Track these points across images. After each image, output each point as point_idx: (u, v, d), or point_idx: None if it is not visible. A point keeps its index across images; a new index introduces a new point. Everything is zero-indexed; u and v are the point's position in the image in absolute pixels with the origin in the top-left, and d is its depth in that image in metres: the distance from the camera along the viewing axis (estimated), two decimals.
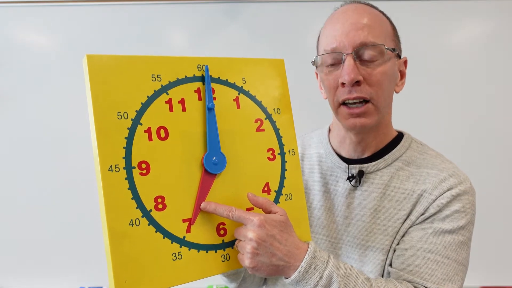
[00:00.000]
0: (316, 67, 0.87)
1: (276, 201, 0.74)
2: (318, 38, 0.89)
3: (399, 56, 0.85)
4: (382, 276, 0.83)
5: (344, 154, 0.92)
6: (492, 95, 2.02)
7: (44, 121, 1.97)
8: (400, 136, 0.92)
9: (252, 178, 0.72)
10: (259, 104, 0.74)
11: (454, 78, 2.02)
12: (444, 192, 0.80)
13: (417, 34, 1.96)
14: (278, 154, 0.75)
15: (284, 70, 0.79)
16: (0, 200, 2.01)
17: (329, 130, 0.98)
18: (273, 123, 0.76)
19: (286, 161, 0.76)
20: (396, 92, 0.87)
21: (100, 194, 0.60)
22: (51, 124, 1.97)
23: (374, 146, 0.89)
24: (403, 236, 0.82)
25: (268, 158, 0.74)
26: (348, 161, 0.90)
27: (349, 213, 0.88)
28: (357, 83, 0.79)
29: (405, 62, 0.88)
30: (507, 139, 2.03)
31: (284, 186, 0.75)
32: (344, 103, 0.81)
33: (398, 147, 0.88)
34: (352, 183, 0.88)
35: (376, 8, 0.85)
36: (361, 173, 0.88)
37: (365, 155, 0.89)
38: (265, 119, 0.75)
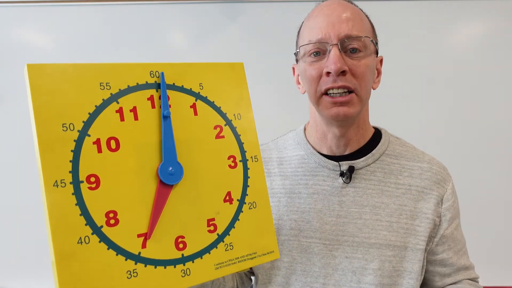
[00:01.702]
0: (297, 60, 0.89)
1: (239, 210, 0.71)
2: (299, 31, 0.91)
3: (376, 53, 0.88)
4: (400, 277, 0.85)
5: (326, 151, 0.91)
6: (492, 95, 2.04)
7: None
8: (377, 131, 0.94)
9: (212, 187, 0.69)
10: (218, 110, 0.72)
11: (454, 78, 2.04)
12: (446, 190, 0.88)
13: (416, 34, 1.99)
14: (240, 161, 0.73)
15: (244, 74, 0.76)
16: (0, 200, 2.01)
17: (304, 130, 0.97)
18: (233, 129, 0.73)
19: (248, 168, 0.73)
20: (373, 89, 0.88)
21: (45, 211, 0.56)
22: None
23: (356, 141, 0.89)
24: (436, 242, 0.89)
25: (229, 166, 0.71)
26: (334, 158, 0.90)
27: (342, 211, 0.87)
28: (343, 73, 0.80)
29: (381, 61, 0.91)
30: (507, 139, 2.06)
31: (247, 194, 0.72)
32: (327, 93, 0.82)
33: (382, 141, 0.90)
34: (344, 179, 0.87)
35: (356, 6, 0.88)
36: (351, 169, 0.87)
37: (347, 152, 0.89)
38: (225, 125, 0.72)
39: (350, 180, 0.87)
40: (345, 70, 0.80)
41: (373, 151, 0.88)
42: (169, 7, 2.02)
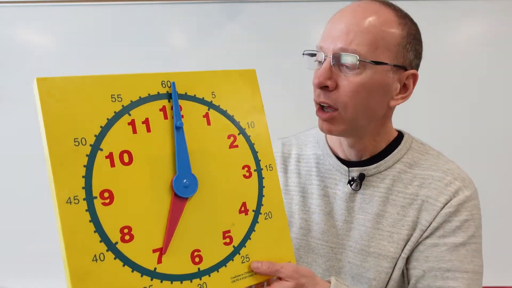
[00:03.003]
0: None
1: (255, 221, 0.69)
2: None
3: (404, 68, 0.78)
4: (387, 285, 0.82)
5: (342, 155, 0.89)
6: (492, 95, 2.03)
7: None
8: (400, 136, 0.89)
9: (227, 198, 0.67)
10: (231, 118, 0.70)
11: (453, 78, 2.02)
12: (451, 200, 0.79)
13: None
14: (255, 170, 0.71)
15: (257, 81, 0.74)
16: (0, 200, 2.01)
17: None
18: (247, 137, 0.71)
19: (263, 178, 0.72)
20: (391, 106, 0.81)
21: (59, 230, 0.54)
22: None
23: (371, 149, 0.86)
24: (416, 247, 0.81)
25: (244, 175, 0.70)
26: (347, 163, 0.87)
27: (349, 217, 0.86)
28: (326, 88, 0.76)
29: (414, 76, 0.80)
30: (507, 139, 2.04)
31: (262, 205, 0.71)
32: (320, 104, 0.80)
33: (398, 148, 0.86)
34: (352, 186, 0.85)
35: (394, 9, 0.78)
36: (362, 176, 0.85)
37: (364, 158, 0.86)
38: (238, 134, 0.70)
39: (359, 188, 0.85)
40: (328, 86, 0.75)
41: (386, 158, 0.85)
42: (169, 7, 2.01)
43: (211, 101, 0.68)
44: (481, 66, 2.03)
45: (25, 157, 1.96)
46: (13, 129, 2.00)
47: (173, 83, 0.65)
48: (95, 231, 0.56)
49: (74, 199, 0.55)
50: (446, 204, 0.78)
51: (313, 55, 0.81)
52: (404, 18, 0.78)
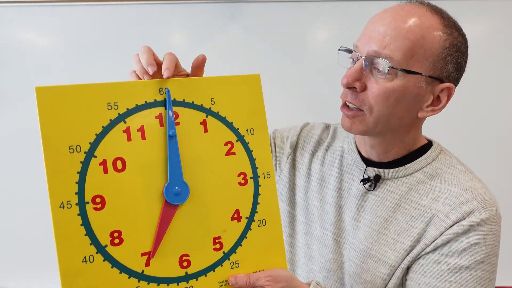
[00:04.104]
0: None
1: (248, 227, 0.71)
2: None
3: (439, 80, 0.74)
4: None
5: (364, 153, 0.88)
6: (492, 95, 1.98)
7: None
8: (428, 145, 0.85)
9: (219, 205, 0.68)
10: (229, 125, 0.70)
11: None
12: (463, 219, 0.74)
13: None
14: (251, 178, 0.71)
15: (260, 86, 0.73)
16: (0, 200, 2.04)
17: None
18: (245, 145, 0.71)
19: (259, 185, 0.72)
20: (419, 117, 0.77)
21: (53, 231, 0.59)
22: None
23: (395, 152, 0.83)
24: (416, 260, 0.78)
25: (239, 183, 0.70)
26: (368, 162, 0.86)
27: (358, 215, 0.86)
28: (354, 88, 0.75)
29: (449, 89, 0.76)
30: (507, 139, 2.00)
31: (257, 212, 0.71)
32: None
33: (423, 156, 0.82)
34: (366, 186, 0.84)
35: (442, 17, 0.74)
36: (377, 178, 0.84)
37: (386, 160, 0.84)
38: (236, 141, 0.70)
39: (373, 188, 0.84)
40: (356, 87, 0.75)
41: (408, 165, 0.82)
42: (169, 7, 1.99)
43: (210, 108, 0.69)
44: (481, 66, 1.94)
45: (25, 157, 1.99)
46: (13, 129, 2.01)
47: (168, 90, 0.65)
48: (85, 235, 0.59)
49: (67, 204, 0.59)
50: (457, 223, 0.74)
51: (349, 51, 0.79)
52: (451, 28, 0.74)
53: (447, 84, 0.75)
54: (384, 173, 0.83)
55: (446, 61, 0.73)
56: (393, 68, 0.71)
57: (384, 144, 0.82)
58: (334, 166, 0.92)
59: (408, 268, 0.80)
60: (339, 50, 0.80)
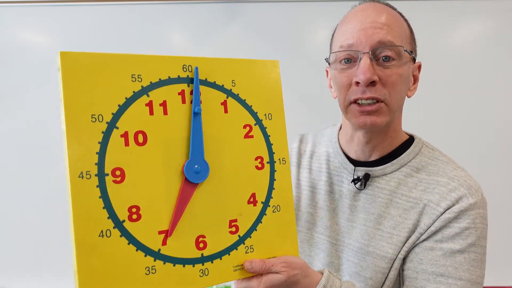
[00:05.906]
0: (329, 64, 0.85)
1: (263, 212, 0.70)
2: (333, 34, 0.86)
3: (414, 60, 0.84)
4: (383, 285, 0.82)
5: (352, 155, 0.90)
6: (492, 95, 2.01)
7: (44, 121, 1.95)
8: (410, 140, 0.89)
9: (237, 188, 0.67)
10: (249, 108, 0.70)
11: (453, 78, 2.00)
12: (453, 205, 0.77)
13: (417, 34, 1.93)
14: (267, 162, 0.71)
15: (279, 72, 0.73)
16: (0, 200, 2.01)
17: (340, 128, 0.96)
18: (263, 129, 0.71)
19: (275, 171, 0.71)
20: (408, 97, 0.85)
21: (69, 202, 0.56)
22: (51, 123, 1.94)
23: (381, 149, 0.86)
24: (411, 249, 0.80)
25: (256, 167, 0.70)
26: (355, 162, 0.88)
27: (352, 215, 0.87)
28: (372, 83, 0.77)
29: (419, 67, 0.86)
30: (508, 139, 2.02)
31: (272, 197, 0.70)
32: (355, 101, 0.79)
33: (407, 151, 0.85)
34: (357, 185, 0.86)
35: (395, 9, 0.83)
36: (367, 176, 0.85)
37: (372, 158, 0.87)
38: (255, 124, 0.70)
39: (364, 187, 0.86)
40: (375, 81, 0.76)
41: (394, 161, 0.85)
42: (169, 7, 2.00)
43: (231, 89, 0.68)
44: (482, 66, 2.00)
45: (25, 157, 1.97)
46: (13, 129, 1.99)
47: (196, 68, 0.64)
48: (103, 207, 0.57)
49: (86, 174, 0.56)
50: (447, 209, 0.77)
51: (348, 52, 0.79)
52: (402, 15, 0.84)
53: (419, 62, 0.86)
54: (373, 171, 0.85)
55: (414, 42, 0.85)
56: (405, 51, 0.78)
57: (380, 135, 0.85)
58: (322, 171, 0.94)
59: (404, 259, 0.82)
60: (328, 57, 0.85)
